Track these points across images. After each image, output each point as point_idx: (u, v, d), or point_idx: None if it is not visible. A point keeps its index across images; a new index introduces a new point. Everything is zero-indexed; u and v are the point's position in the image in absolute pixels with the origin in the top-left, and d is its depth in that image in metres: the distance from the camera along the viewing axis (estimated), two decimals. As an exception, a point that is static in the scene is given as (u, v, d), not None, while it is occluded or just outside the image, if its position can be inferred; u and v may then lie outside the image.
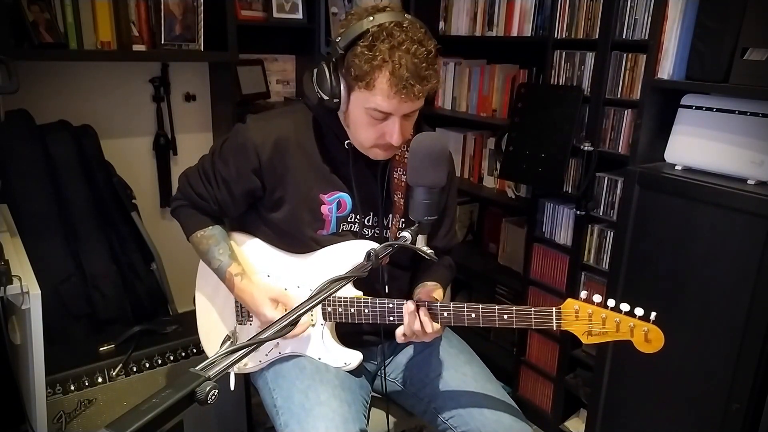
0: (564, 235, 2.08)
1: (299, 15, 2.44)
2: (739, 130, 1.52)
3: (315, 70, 1.18)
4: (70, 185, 1.94)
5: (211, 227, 1.36)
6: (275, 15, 2.38)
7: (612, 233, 1.90)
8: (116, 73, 2.22)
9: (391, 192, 1.32)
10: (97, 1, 1.96)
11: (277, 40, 2.58)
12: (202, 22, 2.14)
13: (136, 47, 2.05)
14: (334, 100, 1.16)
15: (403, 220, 1.32)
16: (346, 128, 1.24)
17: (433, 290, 1.31)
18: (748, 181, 1.50)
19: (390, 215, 1.33)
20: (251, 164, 1.25)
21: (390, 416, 1.40)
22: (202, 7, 2.12)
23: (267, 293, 1.27)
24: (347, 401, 1.23)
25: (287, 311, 1.23)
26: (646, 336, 1.08)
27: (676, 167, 1.65)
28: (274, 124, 1.27)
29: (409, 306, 1.19)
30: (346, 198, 1.29)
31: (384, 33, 1.08)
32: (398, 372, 1.42)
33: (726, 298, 1.49)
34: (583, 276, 2.04)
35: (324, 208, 1.28)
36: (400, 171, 1.31)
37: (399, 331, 1.20)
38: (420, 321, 1.18)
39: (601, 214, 1.96)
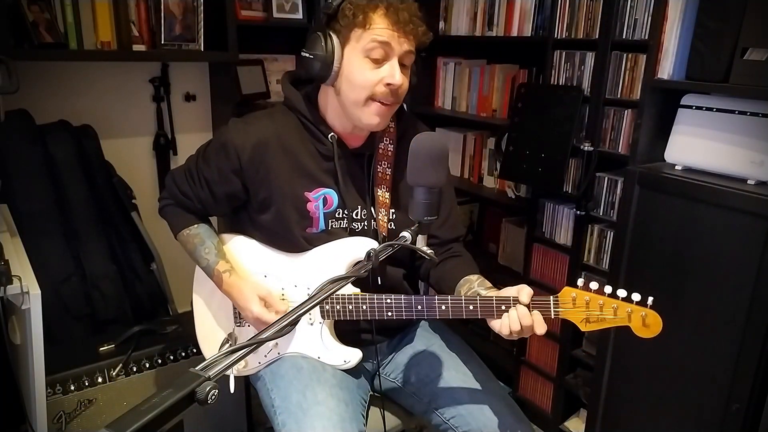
0: (564, 235, 2.08)
1: (299, 15, 2.44)
2: (739, 130, 1.52)
3: (309, 43, 1.19)
4: (70, 185, 1.94)
5: (196, 225, 1.38)
6: (275, 15, 2.38)
7: (612, 233, 1.90)
8: (116, 73, 2.21)
9: (375, 186, 1.32)
10: (97, 1, 1.96)
11: (277, 40, 2.58)
12: (202, 22, 2.13)
13: (136, 47, 2.05)
14: (328, 54, 1.17)
15: (393, 211, 1.33)
16: (338, 99, 1.23)
17: (488, 287, 1.26)
18: (748, 181, 1.50)
19: (373, 209, 1.33)
20: (232, 165, 1.27)
21: (390, 416, 1.40)
22: (202, 7, 2.12)
23: (255, 290, 1.28)
24: (345, 401, 1.23)
25: (280, 312, 1.25)
26: (644, 321, 1.07)
27: (676, 167, 1.65)
28: (254, 126, 1.28)
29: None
30: (331, 193, 1.29)
31: None
32: (398, 371, 1.42)
33: (726, 299, 1.48)
34: (583, 276, 2.03)
35: (310, 206, 1.29)
36: (384, 164, 1.32)
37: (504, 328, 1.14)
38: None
39: (601, 214, 1.96)
